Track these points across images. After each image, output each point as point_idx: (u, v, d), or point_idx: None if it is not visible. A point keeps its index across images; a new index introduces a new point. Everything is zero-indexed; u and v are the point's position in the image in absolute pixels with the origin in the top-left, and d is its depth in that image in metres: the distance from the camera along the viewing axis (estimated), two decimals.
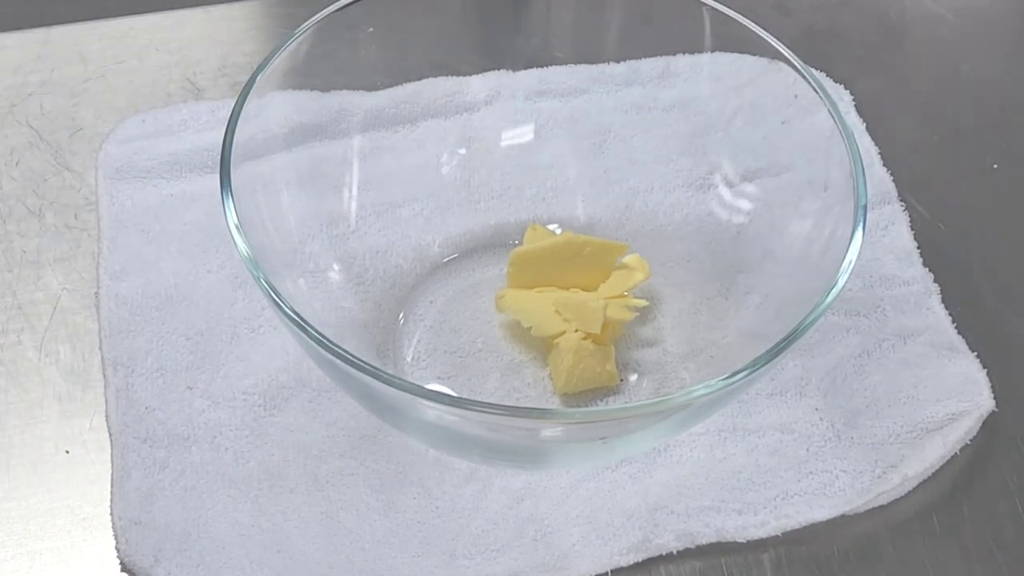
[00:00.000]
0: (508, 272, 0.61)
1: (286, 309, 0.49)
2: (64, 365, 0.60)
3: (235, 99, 0.54)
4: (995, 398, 0.59)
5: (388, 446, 0.57)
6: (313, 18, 0.57)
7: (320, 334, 0.48)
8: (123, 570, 0.54)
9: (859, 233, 0.52)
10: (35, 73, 0.71)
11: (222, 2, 0.75)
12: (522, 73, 0.68)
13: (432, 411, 0.49)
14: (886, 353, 0.60)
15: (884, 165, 0.68)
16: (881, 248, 0.65)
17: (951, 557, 0.55)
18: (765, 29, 0.56)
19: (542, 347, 0.60)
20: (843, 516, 0.56)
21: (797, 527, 0.55)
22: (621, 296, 0.60)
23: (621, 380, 0.59)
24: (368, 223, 0.63)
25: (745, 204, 0.62)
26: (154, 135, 0.68)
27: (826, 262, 0.52)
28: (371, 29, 0.59)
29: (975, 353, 0.61)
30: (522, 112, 0.67)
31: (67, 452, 0.57)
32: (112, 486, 0.55)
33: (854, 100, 0.72)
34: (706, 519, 0.55)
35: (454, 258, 0.64)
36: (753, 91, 0.58)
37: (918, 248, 0.65)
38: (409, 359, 0.60)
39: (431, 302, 0.62)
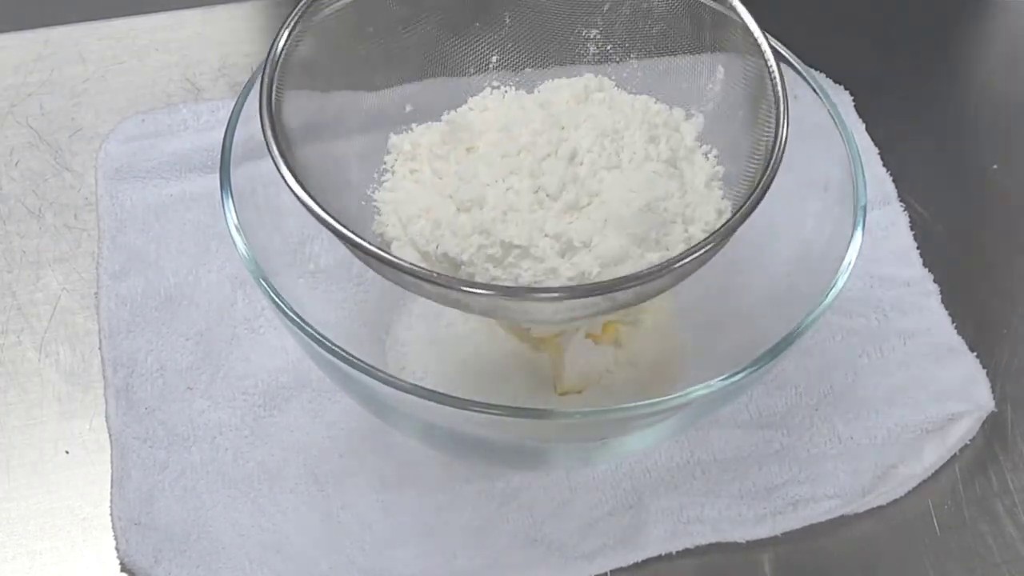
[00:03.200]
0: None
1: (286, 309, 0.49)
2: (64, 366, 0.60)
3: (235, 99, 0.54)
4: (995, 398, 0.59)
5: (388, 446, 0.57)
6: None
7: (320, 334, 0.48)
8: (123, 570, 0.54)
9: (859, 233, 0.52)
10: (35, 73, 0.71)
11: (222, 2, 0.75)
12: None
13: (432, 411, 0.49)
14: (885, 353, 0.60)
15: (884, 165, 0.68)
16: (881, 248, 0.64)
17: (951, 557, 0.55)
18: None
19: (542, 347, 0.60)
20: (843, 516, 0.56)
21: (797, 527, 0.55)
22: None
23: None
24: None
25: None
26: (154, 135, 0.67)
27: (826, 262, 0.52)
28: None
29: (975, 353, 0.61)
30: None
31: (67, 452, 0.57)
32: (112, 486, 0.55)
33: (854, 100, 0.71)
34: (705, 519, 0.55)
35: None
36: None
37: (918, 248, 0.65)
38: (409, 359, 0.60)
39: (431, 302, 0.62)
